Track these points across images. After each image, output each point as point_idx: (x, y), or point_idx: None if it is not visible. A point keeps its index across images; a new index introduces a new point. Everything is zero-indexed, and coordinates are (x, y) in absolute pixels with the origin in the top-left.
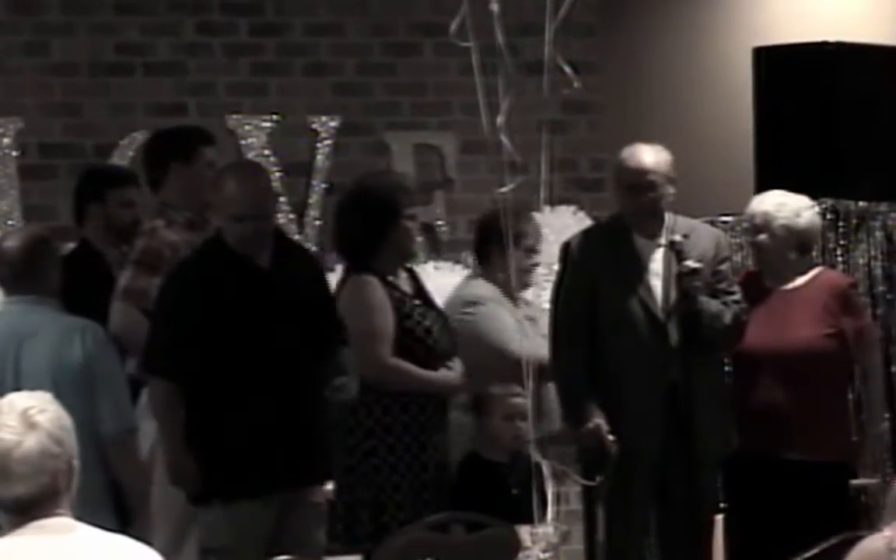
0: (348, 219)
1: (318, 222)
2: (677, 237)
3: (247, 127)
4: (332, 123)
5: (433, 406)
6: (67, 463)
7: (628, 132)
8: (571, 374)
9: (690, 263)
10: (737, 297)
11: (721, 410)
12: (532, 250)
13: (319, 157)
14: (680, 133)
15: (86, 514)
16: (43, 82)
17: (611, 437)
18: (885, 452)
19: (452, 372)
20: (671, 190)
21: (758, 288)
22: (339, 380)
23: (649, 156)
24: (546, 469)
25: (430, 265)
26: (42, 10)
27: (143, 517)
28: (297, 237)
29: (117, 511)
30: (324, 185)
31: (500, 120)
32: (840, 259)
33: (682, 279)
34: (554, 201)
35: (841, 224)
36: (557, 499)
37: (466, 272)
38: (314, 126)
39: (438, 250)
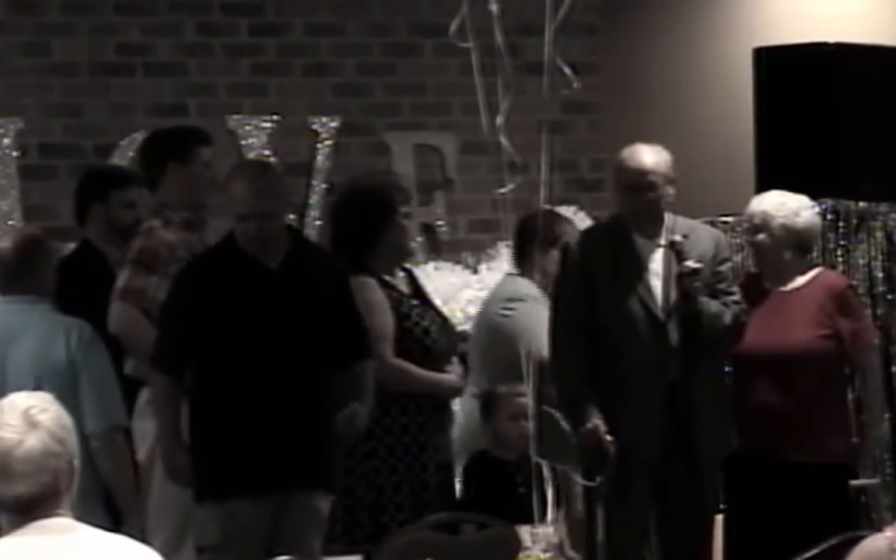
0: (344, 219)
1: (318, 222)
2: (677, 237)
3: (247, 127)
4: (332, 124)
5: (432, 406)
6: (69, 462)
7: (628, 132)
8: (571, 374)
9: (690, 264)
10: (736, 297)
11: (721, 411)
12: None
13: (319, 158)
14: (680, 133)
15: (76, 514)
16: (43, 82)
17: (609, 438)
18: (886, 453)
19: (452, 373)
20: (671, 190)
21: (757, 289)
22: (350, 408)
23: (649, 156)
24: (546, 469)
25: (431, 265)
26: (42, 10)
27: (132, 517)
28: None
29: (109, 511)
30: (324, 186)
31: (499, 120)
32: (840, 259)
33: (682, 279)
34: (554, 201)
35: (841, 224)
36: (562, 499)
37: (509, 271)
38: (314, 126)
39: (438, 250)
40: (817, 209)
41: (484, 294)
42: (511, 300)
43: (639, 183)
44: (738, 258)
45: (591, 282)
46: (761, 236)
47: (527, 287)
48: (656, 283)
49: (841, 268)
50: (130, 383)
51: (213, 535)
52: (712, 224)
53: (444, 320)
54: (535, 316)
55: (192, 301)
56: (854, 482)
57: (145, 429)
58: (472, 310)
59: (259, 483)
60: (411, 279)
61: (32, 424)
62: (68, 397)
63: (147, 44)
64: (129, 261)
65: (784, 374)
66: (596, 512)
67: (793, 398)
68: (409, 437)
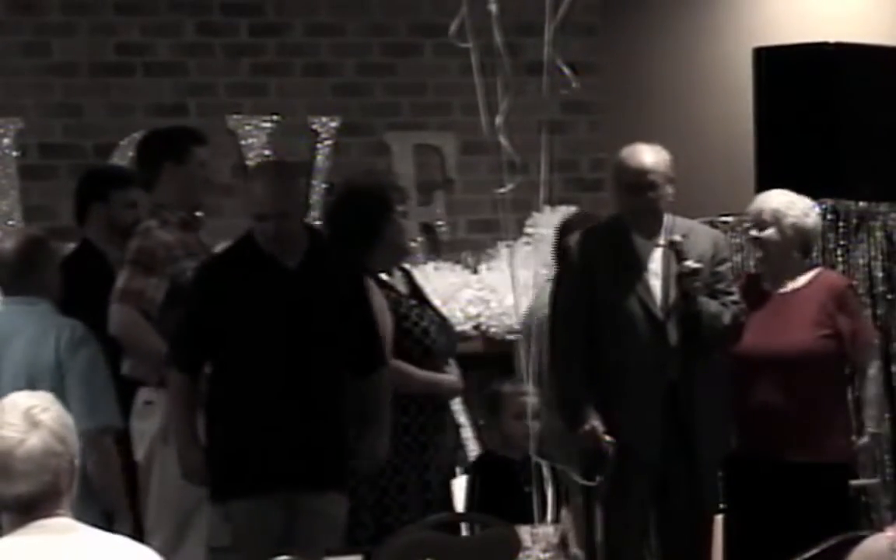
0: (341, 219)
1: (318, 223)
2: (677, 237)
3: (247, 127)
4: (332, 124)
5: (432, 406)
6: (70, 462)
7: (628, 132)
8: (569, 375)
9: (690, 264)
10: (735, 297)
11: (720, 410)
12: None
13: (319, 158)
14: (680, 133)
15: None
16: (43, 82)
17: (608, 439)
18: (886, 453)
19: (452, 373)
20: (670, 190)
21: (757, 290)
22: (370, 438)
23: (649, 156)
24: (546, 469)
25: (430, 265)
26: (42, 10)
27: (122, 518)
28: None
29: (104, 512)
30: (324, 186)
31: (499, 120)
32: (840, 259)
33: (681, 279)
34: (554, 201)
35: (841, 224)
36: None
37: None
38: (314, 126)
39: (438, 250)
40: (818, 209)
41: (484, 294)
42: None
43: (640, 182)
44: (737, 258)
45: (590, 281)
46: (770, 232)
47: None
48: (655, 283)
49: (841, 268)
50: (128, 384)
51: (224, 536)
52: (712, 224)
53: (442, 320)
54: None
55: (210, 299)
56: (854, 482)
57: (143, 429)
58: (472, 310)
59: (271, 483)
60: (409, 279)
61: (34, 424)
62: (58, 398)
63: (147, 44)
64: (126, 262)
65: (785, 375)
66: (595, 512)
67: (794, 398)
68: (411, 437)
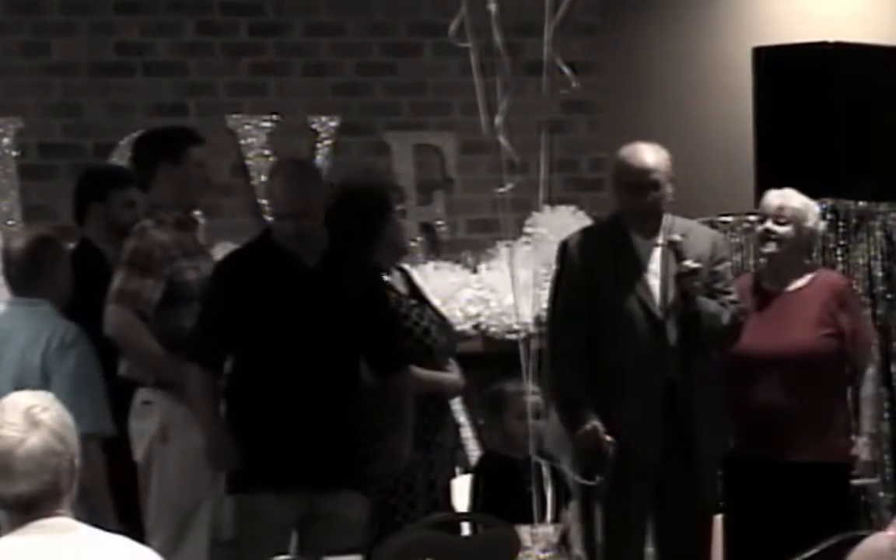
0: (339, 219)
1: None
2: (676, 237)
3: (246, 127)
4: (332, 123)
5: (434, 406)
6: (70, 461)
7: (628, 132)
8: (569, 374)
9: (690, 263)
10: (733, 297)
11: (718, 410)
12: None
13: (319, 158)
14: (680, 133)
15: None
16: (43, 82)
17: (608, 439)
18: (886, 453)
19: (454, 372)
20: (670, 189)
21: (758, 290)
22: (392, 443)
23: (652, 155)
24: (546, 469)
25: (430, 265)
26: (42, 10)
27: (107, 525)
28: None
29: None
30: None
31: (498, 120)
32: (840, 259)
33: (681, 279)
34: (554, 201)
35: (841, 224)
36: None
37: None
38: (314, 126)
39: (438, 250)
40: (818, 209)
41: (483, 294)
42: None
43: (643, 182)
44: (737, 258)
45: (589, 281)
46: (787, 230)
47: None
48: (655, 283)
49: (840, 267)
50: (125, 385)
51: (229, 530)
52: (712, 224)
53: (442, 320)
54: None
55: (229, 295)
56: (854, 482)
57: (142, 429)
58: (472, 309)
59: (286, 479)
60: (408, 279)
61: (34, 423)
62: None
63: (147, 43)
64: (122, 263)
65: (788, 374)
66: (595, 512)
67: (797, 397)
68: (415, 436)
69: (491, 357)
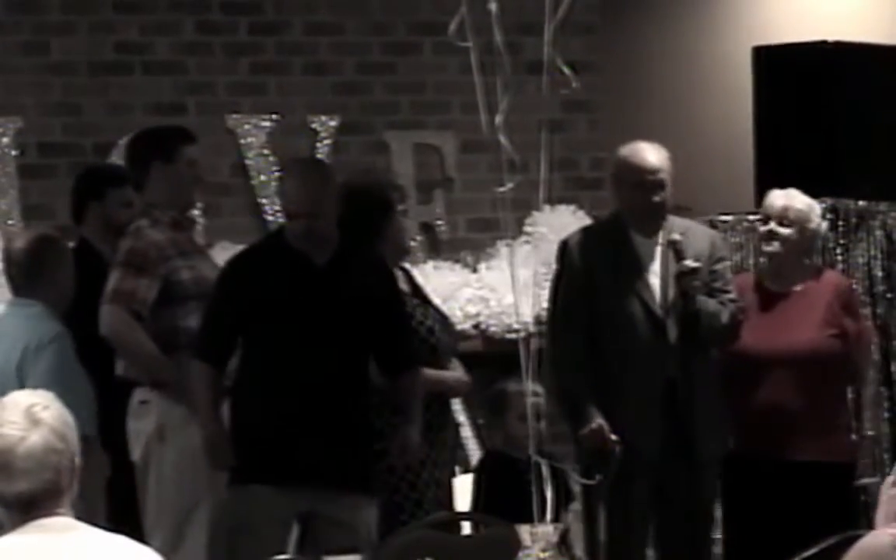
0: (341, 219)
1: None
2: (676, 236)
3: (246, 126)
4: (332, 123)
5: (437, 404)
6: (70, 460)
7: (628, 131)
8: (570, 374)
9: (689, 263)
10: (732, 296)
11: (718, 409)
12: None
13: (319, 157)
14: (679, 132)
15: None
16: (42, 81)
17: (613, 437)
18: (886, 452)
19: (459, 370)
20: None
21: (760, 290)
22: (402, 435)
23: (657, 154)
24: (546, 469)
25: (430, 265)
26: (42, 9)
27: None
28: None
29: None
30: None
31: (499, 119)
32: (840, 259)
33: (680, 278)
34: (553, 201)
35: (841, 223)
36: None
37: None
38: (313, 125)
39: (438, 250)
40: (820, 209)
41: (483, 293)
42: None
43: (648, 182)
44: (737, 257)
45: (590, 280)
46: (791, 231)
47: None
48: (655, 282)
49: (840, 267)
50: (123, 384)
51: (229, 519)
52: (712, 223)
53: (443, 319)
54: None
55: (238, 293)
56: (855, 482)
57: (140, 429)
58: (472, 309)
59: (291, 474)
60: (409, 278)
61: (35, 422)
62: None
63: (146, 43)
64: (117, 263)
65: (794, 374)
66: (596, 511)
67: (803, 397)
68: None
69: (491, 357)
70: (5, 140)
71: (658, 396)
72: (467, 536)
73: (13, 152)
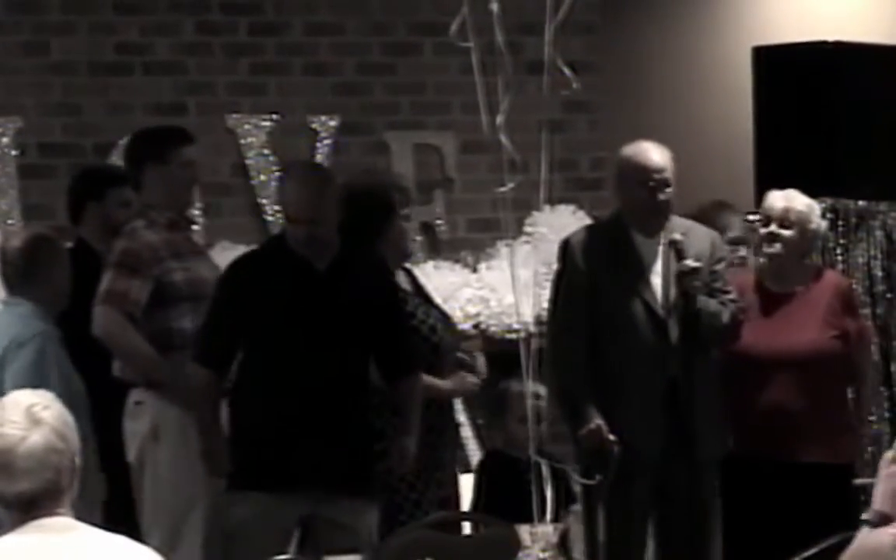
0: (342, 220)
1: None
2: (677, 236)
3: (246, 126)
4: (332, 123)
5: (437, 404)
6: (71, 459)
7: (628, 132)
8: (571, 374)
9: (690, 263)
10: (732, 296)
11: (718, 409)
12: (736, 242)
13: (319, 157)
14: (679, 132)
15: None
16: (42, 82)
17: (611, 438)
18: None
19: (479, 360)
20: None
21: (760, 290)
22: (400, 443)
23: (661, 153)
24: (546, 469)
25: (430, 264)
26: (42, 9)
27: None
28: None
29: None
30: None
31: (499, 119)
32: (840, 259)
33: (681, 278)
34: (554, 201)
35: (840, 223)
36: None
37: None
38: (314, 126)
39: (438, 249)
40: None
41: (483, 293)
42: None
43: (654, 181)
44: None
45: (591, 280)
46: (792, 233)
47: None
48: (657, 282)
49: (840, 267)
50: (117, 385)
51: (229, 525)
52: None
53: (446, 318)
54: None
55: (238, 298)
56: (855, 482)
57: (135, 429)
58: (472, 309)
59: (290, 480)
60: (412, 278)
61: (35, 421)
62: None
63: (146, 43)
64: (110, 264)
65: (797, 375)
66: (596, 511)
67: (807, 398)
68: (420, 435)
69: (491, 357)
70: (5, 140)
71: (659, 396)
72: (467, 536)
73: (13, 152)
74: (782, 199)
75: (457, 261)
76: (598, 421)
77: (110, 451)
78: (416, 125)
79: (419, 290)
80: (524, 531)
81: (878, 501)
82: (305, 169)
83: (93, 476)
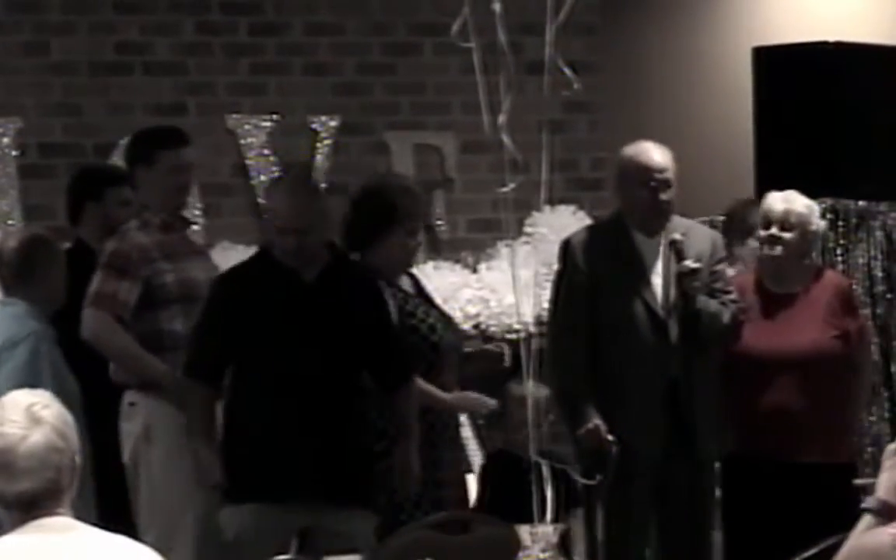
0: (349, 219)
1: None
2: (677, 236)
3: (246, 126)
4: (332, 123)
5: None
6: (71, 459)
7: (628, 132)
8: (570, 374)
9: (690, 263)
10: (733, 296)
11: (718, 409)
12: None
13: (319, 157)
14: (680, 133)
15: None
16: (42, 82)
17: (610, 438)
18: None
19: (464, 395)
20: None
21: (761, 291)
22: (399, 455)
23: (662, 153)
24: (546, 469)
25: (430, 265)
26: (42, 9)
27: None
28: None
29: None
30: (323, 185)
31: (500, 119)
32: (840, 259)
33: (681, 279)
34: (554, 201)
35: (840, 224)
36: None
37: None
38: (314, 126)
39: (438, 250)
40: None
41: (483, 293)
42: None
43: (656, 181)
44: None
45: (592, 280)
46: (792, 235)
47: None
48: (657, 282)
49: (840, 267)
50: (111, 388)
51: (226, 536)
52: (712, 224)
53: (447, 318)
54: None
55: (228, 309)
56: (856, 481)
57: (130, 430)
58: (472, 309)
59: (284, 491)
60: (413, 279)
61: (36, 421)
62: None
63: (146, 43)
64: (100, 265)
65: (798, 376)
66: (596, 511)
67: (809, 399)
68: (421, 434)
69: None
70: (6, 140)
71: (659, 397)
72: (467, 536)
73: (13, 152)
74: (782, 202)
75: (457, 261)
76: (596, 421)
77: (106, 452)
78: (416, 125)
79: (421, 291)
80: (524, 531)
81: (883, 490)
82: (294, 179)
83: (87, 476)
